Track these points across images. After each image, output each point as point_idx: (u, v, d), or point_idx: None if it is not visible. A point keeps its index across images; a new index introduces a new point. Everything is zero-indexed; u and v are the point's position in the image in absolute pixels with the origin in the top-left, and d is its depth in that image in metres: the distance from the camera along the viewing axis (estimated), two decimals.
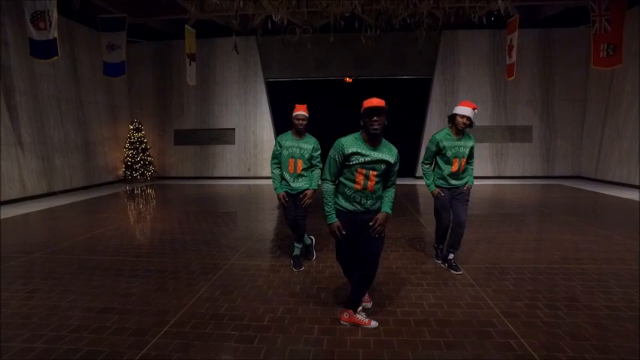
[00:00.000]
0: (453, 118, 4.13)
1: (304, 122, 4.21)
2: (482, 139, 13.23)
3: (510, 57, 11.22)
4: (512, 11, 10.48)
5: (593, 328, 3.01)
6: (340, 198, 3.03)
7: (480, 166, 13.27)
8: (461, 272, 4.25)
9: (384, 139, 3.00)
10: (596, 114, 12.39)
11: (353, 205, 2.99)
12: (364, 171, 2.90)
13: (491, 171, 13.43)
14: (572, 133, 13.12)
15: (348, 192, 2.98)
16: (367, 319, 3.10)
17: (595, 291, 3.73)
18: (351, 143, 2.92)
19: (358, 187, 2.94)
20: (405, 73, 13.60)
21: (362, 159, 2.89)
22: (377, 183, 2.96)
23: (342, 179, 3.01)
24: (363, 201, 2.98)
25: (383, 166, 2.93)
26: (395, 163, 2.99)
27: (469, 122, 4.05)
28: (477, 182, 12.02)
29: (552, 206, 8.35)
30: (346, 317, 3.13)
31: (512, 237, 5.83)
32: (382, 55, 13.17)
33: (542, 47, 12.96)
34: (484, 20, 9.66)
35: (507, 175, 13.40)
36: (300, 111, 4.20)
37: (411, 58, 13.15)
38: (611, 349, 2.72)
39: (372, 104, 2.83)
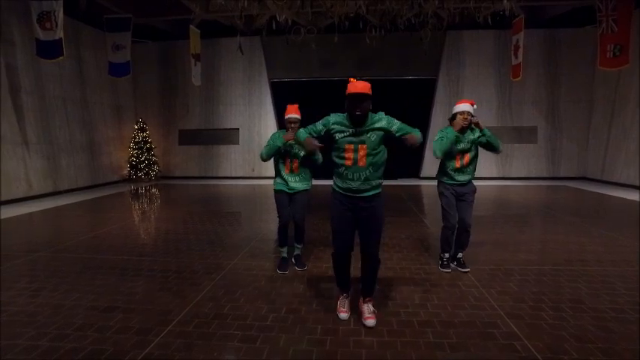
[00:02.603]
0: (454, 119, 4.13)
1: (296, 125, 4.14)
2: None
3: (516, 57, 11.16)
4: (517, 11, 10.42)
5: (599, 331, 2.98)
6: (335, 178, 3.05)
7: (484, 167, 13.17)
8: (468, 269, 4.26)
9: (370, 114, 2.97)
10: (602, 115, 12.30)
11: (346, 183, 2.96)
12: (352, 146, 2.91)
13: (495, 172, 13.36)
14: (577, 134, 13.03)
15: (340, 170, 2.96)
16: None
17: (600, 293, 3.70)
18: (337, 119, 2.97)
19: (349, 162, 2.92)
20: (409, 73, 13.57)
21: (347, 132, 2.92)
22: (370, 156, 2.90)
23: (334, 158, 2.99)
24: (356, 176, 2.92)
25: (374, 137, 2.91)
26: (391, 126, 2.95)
27: (471, 117, 4.05)
28: (481, 183, 11.98)
29: (557, 207, 8.30)
30: (359, 302, 3.26)
31: (516, 238, 5.79)
32: (386, 55, 13.14)
33: (548, 48, 12.88)
34: (489, 21, 9.62)
35: (512, 176, 13.34)
36: (292, 114, 4.15)
37: (416, 59, 13.10)
38: (616, 352, 2.69)
39: (356, 89, 2.85)
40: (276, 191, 4.38)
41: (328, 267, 4.44)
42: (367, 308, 3.15)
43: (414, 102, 13.46)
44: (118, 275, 4.28)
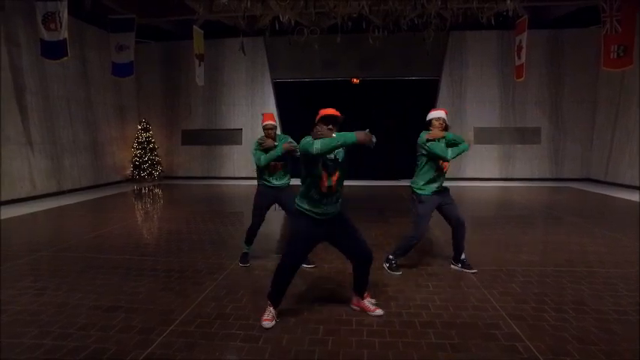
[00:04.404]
0: (429, 124, 4.24)
1: (273, 131, 4.36)
2: (490, 140, 13.15)
3: (519, 58, 11.12)
4: (520, 12, 10.39)
5: (601, 332, 2.97)
6: (305, 202, 3.06)
7: (487, 168, 13.20)
8: (476, 271, 4.28)
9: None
10: (606, 116, 12.24)
11: (319, 208, 3.03)
12: (328, 169, 2.99)
13: (498, 173, 13.32)
14: (581, 134, 12.97)
15: (315, 196, 3.02)
16: (373, 307, 3.31)
17: (603, 294, 3.69)
18: None
19: (324, 189, 3.00)
20: (412, 74, 13.55)
21: (328, 157, 2.97)
22: (340, 179, 3.06)
23: (308, 184, 3.02)
24: (332, 200, 3.06)
25: (344, 158, 3.06)
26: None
27: (445, 124, 4.19)
28: (484, 184, 11.94)
29: (560, 209, 8.27)
30: (355, 302, 3.37)
31: (519, 239, 5.78)
32: (389, 55, 13.11)
33: (551, 48, 12.83)
34: (492, 21, 9.59)
35: (515, 177, 13.28)
36: (268, 121, 4.36)
37: (419, 59, 13.07)
38: (618, 354, 2.69)
39: (331, 112, 2.96)
40: (259, 190, 4.48)
41: (330, 267, 4.45)
42: (369, 302, 3.36)
43: (417, 103, 13.40)
44: (121, 275, 4.30)
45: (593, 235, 5.98)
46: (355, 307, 3.36)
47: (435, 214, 4.34)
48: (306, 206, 3.06)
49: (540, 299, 3.59)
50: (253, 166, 4.57)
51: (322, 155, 2.87)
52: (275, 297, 3.18)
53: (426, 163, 4.17)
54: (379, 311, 3.28)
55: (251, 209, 4.58)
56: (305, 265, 4.45)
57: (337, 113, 2.98)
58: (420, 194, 4.20)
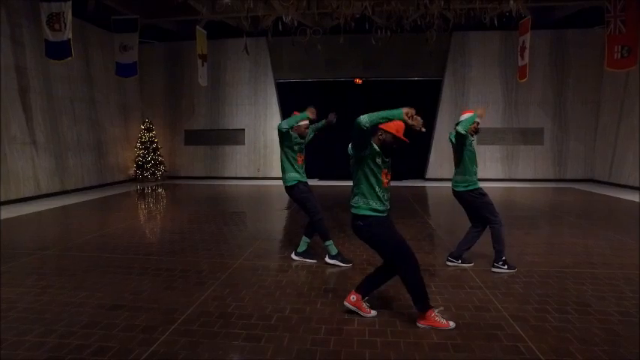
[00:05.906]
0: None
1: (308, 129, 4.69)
2: (493, 141, 13.13)
3: (523, 58, 11.11)
4: (524, 12, 10.37)
5: (604, 334, 2.96)
6: (372, 202, 3.05)
7: (490, 169, 13.16)
8: (472, 264, 4.41)
9: None
10: (609, 116, 12.20)
11: (384, 205, 3.10)
12: (386, 170, 3.11)
13: (501, 173, 13.30)
14: (584, 135, 12.93)
15: (379, 192, 3.06)
16: (369, 308, 3.28)
17: (607, 296, 3.67)
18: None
19: (385, 184, 3.11)
20: (415, 74, 13.55)
21: (386, 160, 3.10)
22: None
23: (371, 182, 3.04)
24: (388, 197, 3.13)
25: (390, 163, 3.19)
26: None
27: (478, 126, 4.24)
28: (487, 185, 11.91)
29: (564, 209, 8.24)
30: (353, 301, 3.26)
31: (522, 240, 5.77)
32: (392, 56, 13.12)
33: (555, 48, 12.81)
34: (495, 22, 9.58)
35: (518, 177, 13.26)
36: (307, 120, 4.58)
37: (422, 60, 13.09)
38: (621, 355, 2.68)
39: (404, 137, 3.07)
40: (298, 186, 4.53)
41: (332, 267, 4.46)
42: (366, 304, 3.31)
43: (420, 103, 13.36)
44: (125, 274, 4.32)
45: (596, 236, 5.96)
46: (350, 306, 3.24)
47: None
48: (374, 205, 3.04)
49: (543, 300, 3.58)
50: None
51: (372, 125, 2.89)
52: (426, 297, 3.09)
53: (469, 157, 4.25)
54: (374, 312, 3.26)
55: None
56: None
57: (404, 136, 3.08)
58: (479, 187, 4.31)
